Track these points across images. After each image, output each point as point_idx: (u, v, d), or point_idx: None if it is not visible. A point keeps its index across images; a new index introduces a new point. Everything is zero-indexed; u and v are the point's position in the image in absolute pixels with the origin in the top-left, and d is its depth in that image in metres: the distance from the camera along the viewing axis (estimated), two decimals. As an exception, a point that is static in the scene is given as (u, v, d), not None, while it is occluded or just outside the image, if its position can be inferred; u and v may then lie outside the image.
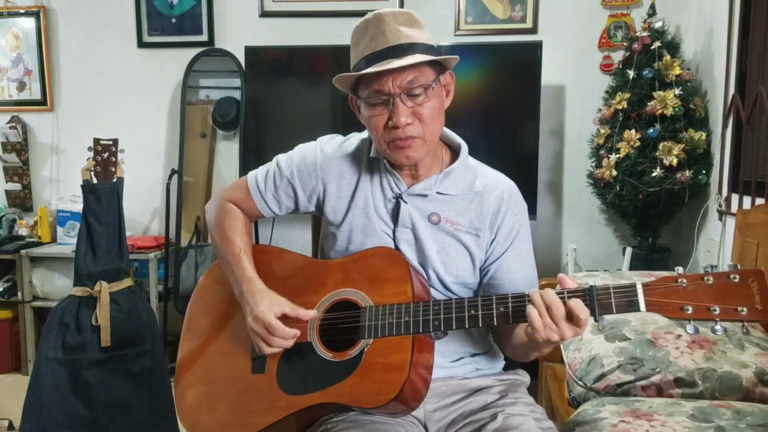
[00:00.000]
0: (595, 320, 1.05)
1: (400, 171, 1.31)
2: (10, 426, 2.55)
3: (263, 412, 1.21)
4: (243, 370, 1.28)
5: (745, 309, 0.98)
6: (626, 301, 1.03)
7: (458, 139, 1.36)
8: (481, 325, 1.13)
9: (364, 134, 1.38)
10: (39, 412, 2.08)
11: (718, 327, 0.99)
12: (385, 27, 1.19)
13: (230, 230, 1.37)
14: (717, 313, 0.99)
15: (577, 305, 1.03)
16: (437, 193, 1.30)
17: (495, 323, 1.12)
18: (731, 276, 0.99)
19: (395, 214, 1.30)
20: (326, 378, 1.17)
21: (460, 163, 1.32)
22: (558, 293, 1.06)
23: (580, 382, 1.62)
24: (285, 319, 1.22)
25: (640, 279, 1.08)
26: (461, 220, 1.29)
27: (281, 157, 1.40)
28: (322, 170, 1.35)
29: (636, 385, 1.55)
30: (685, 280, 1.01)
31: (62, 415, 2.09)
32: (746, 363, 1.54)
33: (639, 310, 1.02)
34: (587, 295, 1.05)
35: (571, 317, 1.03)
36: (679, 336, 1.62)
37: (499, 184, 1.33)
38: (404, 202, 1.29)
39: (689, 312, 1.00)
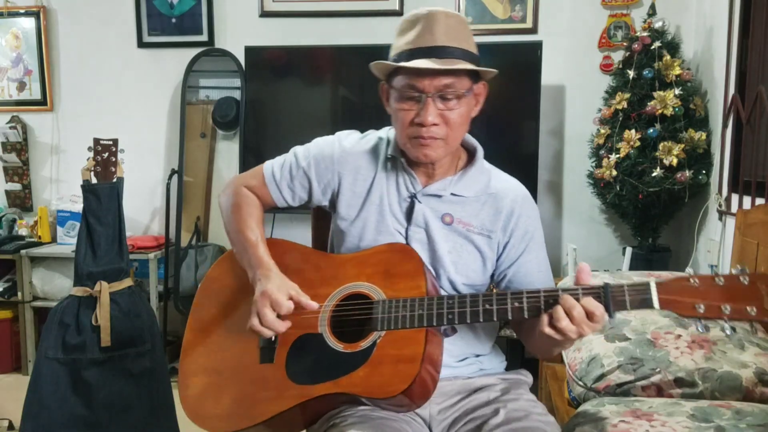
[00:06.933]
0: (610, 316, 1.07)
1: (417, 170, 1.32)
2: (10, 426, 2.55)
3: (270, 402, 1.21)
4: (251, 360, 1.27)
5: (754, 309, 1.01)
6: (640, 298, 1.05)
7: (475, 142, 1.37)
8: (495, 319, 1.14)
9: (382, 132, 1.39)
10: (39, 412, 2.08)
11: (726, 326, 1.02)
12: (435, 26, 1.19)
13: (247, 216, 1.37)
14: (728, 312, 1.02)
15: (590, 303, 1.05)
16: (451, 194, 1.31)
17: (510, 318, 1.14)
18: (741, 278, 1.02)
19: (409, 213, 1.31)
20: (337, 369, 1.17)
21: (476, 166, 1.33)
22: (572, 291, 1.07)
23: (580, 382, 1.62)
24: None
25: (641, 279, 1.10)
26: (473, 222, 1.30)
27: (299, 149, 1.40)
28: (339, 164, 1.35)
29: (636, 385, 1.55)
30: (697, 280, 1.04)
31: (62, 415, 2.09)
32: (746, 363, 1.54)
33: (652, 308, 1.05)
34: (602, 292, 1.07)
35: (588, 315, 1.05)
36: (679, 336, 1.62)
37: (512, 188, 1.35)
38: (418, 201, 1.30)
39: (701, 311, 1.03)
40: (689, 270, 1.08)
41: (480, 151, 1.35)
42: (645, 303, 1.05)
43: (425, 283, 1.19)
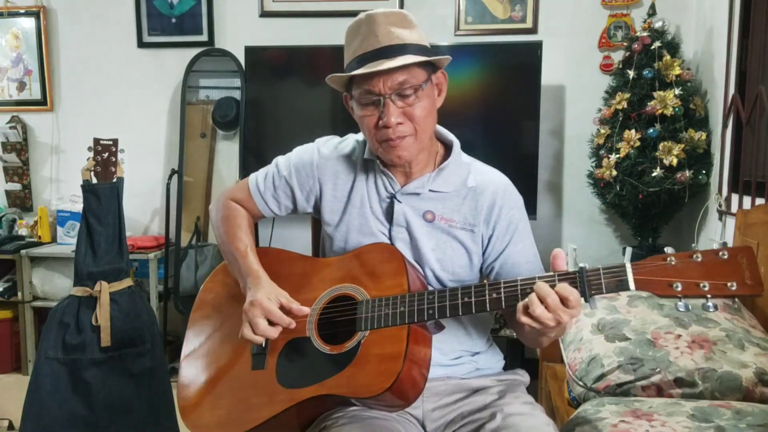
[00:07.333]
0: (586, 301, 1.06)
1: (394, 170, 1.32)
2: (10, 426, 2.55)
3: (262, 407, 1.22)
4: (243, 367, 1.29)
5: (734, 284, 0.98)
6: (616, 280, 1.04)
7: (450, 135, 1.36)
8: (474, 311, 1.14)
9: (360, 136, 1.39)
10: (39, 412, 2.08)
11: (709, 304, 1.00)
12: (377, 28, 1.20)
13: (236, 228, 1.39)
14: (707, 289, 0.99)
15: (565, 288, 1.04)
16: (430, 191, 1.31)
17: (488, 309, 1.13)
18: (720, 253, 1.00)
19: (390, 214, 1.31)
20: (324, 371, 1.18)
21: (453, 160, 1.33)
22: (548, 278, 1.07)
23: (580, 382, 1.62)
24: (280, 309, 1.23)
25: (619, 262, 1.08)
26: (455, 217, 1.30)
27: (280, 159, 1.43)
28: (318, 170, 1.37)
29: (636, 385, 1.55)
30: (673, 259, 1.02)
31: (62, 415, 2.09)
32: (746, 363, 1.54)
33: (629, 289, 1.03)
34: (578, 276, 1.06)
35: (563, 301, 1.04)
36: (679, 336, 1.62)
37: (492, 180, 1.34)
38: (398, 201, 1.31)
39: (679, 289, 1.00)
40: (668, 249, 1.05)
41: (456, 145, 1.35)
42: (621, 285, 1.03)
43: (407, 280, 1.20)
